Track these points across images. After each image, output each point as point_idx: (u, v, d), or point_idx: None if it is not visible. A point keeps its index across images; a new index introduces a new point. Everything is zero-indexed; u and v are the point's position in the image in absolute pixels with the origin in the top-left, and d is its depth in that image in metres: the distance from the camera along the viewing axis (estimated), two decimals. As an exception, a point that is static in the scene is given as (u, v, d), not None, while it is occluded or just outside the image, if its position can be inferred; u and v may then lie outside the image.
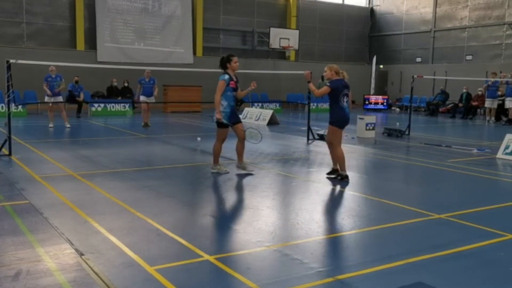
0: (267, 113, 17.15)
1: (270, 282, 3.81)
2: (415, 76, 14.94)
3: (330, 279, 3.86)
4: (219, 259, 4.20)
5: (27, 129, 14.72)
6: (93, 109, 19.26)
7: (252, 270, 4.04)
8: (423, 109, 25.14)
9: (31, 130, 14.52)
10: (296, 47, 26.11)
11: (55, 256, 4.18)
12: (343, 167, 7.53)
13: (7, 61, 8.91)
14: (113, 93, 20.26)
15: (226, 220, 5.52)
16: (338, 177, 7.52)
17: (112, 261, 4.11)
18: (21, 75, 18.88)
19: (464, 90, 21.94)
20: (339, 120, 7.44)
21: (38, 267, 3.95)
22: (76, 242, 4.52)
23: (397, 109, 26.29)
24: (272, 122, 16.63)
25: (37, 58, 17.63)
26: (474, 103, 21.97)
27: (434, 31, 27.38)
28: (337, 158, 7.56)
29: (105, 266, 4.00)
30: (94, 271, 3.88)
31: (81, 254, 4.23)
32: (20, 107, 18.04)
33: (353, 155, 10.36)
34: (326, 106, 25.14)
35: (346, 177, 7.50)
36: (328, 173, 7.78)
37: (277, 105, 23.45)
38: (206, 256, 4.26)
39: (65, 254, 4.24)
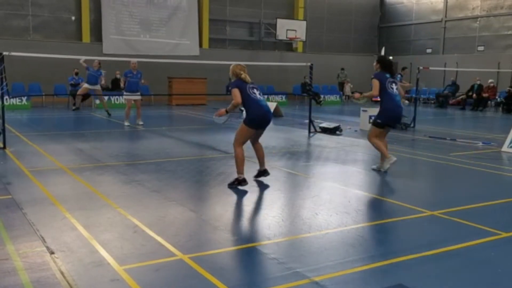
0: (271, 105, 16.91)
1: (240, 283, 3.64)
2: (421, 67, 14.57)
3: (305, 281, 3.68)
4: (193, 258, 4.04)
5: (29, 121, 14.69)
6: (97, 101, 19.20)
7: (225, 270, 3.88)
8: (432, 101, 24.69)
9: (32, 122, 14.50)
10: (303, 38, 25.76)
11: (24, 254, 4.05)
12: (239, 169, 6.34)
13: (0, 53, 8.80)
14: (118, 86, 20.16)
15: (208, 217, 5.35)
16: (236, 182, 6.32)
17: (82, 259, 3.98)
18: (26, 68, 18.99)
19: (478, 82, 21.41)
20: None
21: (3, 265, 3.83)
22: (49, 240, 4.39)
23: (406, 102, 25.83)
24: (276, 115, 16.39)
25: (43, 50, 17.61)
26: (485, 95, 21.51)
27: (445, 21, 26.83)
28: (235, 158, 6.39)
29: (73, 265, 3.87)
30: (60, 271, 3.75)
31: (52, 253, 4.10)
32: (24, 99, 18.07)
33: (353, 148, 10.14)
34: (333, 98, 24.89)
35: (243, 181, 6.32)
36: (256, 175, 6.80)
37: (283, 97, 23.20)
38: (180, 255, 4.10)
39: (35, 252, 4.12)
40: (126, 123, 13.24)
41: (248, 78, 6.36)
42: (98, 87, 16.07)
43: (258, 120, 6.34)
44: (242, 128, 6.35)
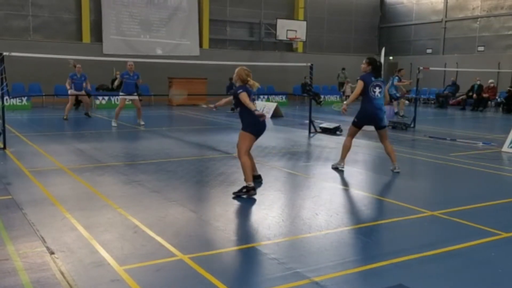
0: (271, 106, 16.93)
1: (240, 283, 3.65)
2: (421, 68, 14.58)
3: (306, 281, 3.68)
4: (193, 259, 4.04)
5: (29, 122, 14.70)
6: (98, 102, 19.23)
7: (225, 271, 3.88)
8: (432, 101, 24.69)
9: (32, 123, 14.50)
10: (304, 38, 25.77)
11: (24, 255, 4.05)
12: (248, 177, 6.13)
13: (0, 54, 8.79)
14: (118, 86, 20.13)
15: (208, 217, 5.35)
16: (244, 189, 6.10)
17: (82, 260, 3.98)
18: (26, 68, 18.97)
19: (478, 82, 21.40)
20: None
21: (4, 266, 3.83)
22: (49, 240, 4.39)
23: (406, 102, 25.83)
24: (276, 115, 16.42)
25: (43, 51, 17.60)
26: (485, 95, 21.51)
27: (445, 21, 26.82)
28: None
29: (73, 265, 3.87)
30: (60, 271, 3.75)
31: (52, 253, 4.10)
32: (24, 100, 18.07)
33: (354, 149, 10.05)
34: (333, 98, 24.88)
35: (253, 189, 6.10)
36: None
37: (283, 97, 23.20)
38: (180, 256, 4.10)
39: (35, 252, 4.12)
40: (114, 124, 13.11)
41: (255, 85, 6.14)
42: (83, 92, 15.25)
43: (259, 127, 6.16)
44: (246, 137, 6.14)
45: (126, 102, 14.58)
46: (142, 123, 13.36)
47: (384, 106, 7.66)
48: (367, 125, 7.80)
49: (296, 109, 21.23)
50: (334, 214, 5.39)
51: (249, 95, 6.02)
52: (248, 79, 6.11)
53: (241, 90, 6.01)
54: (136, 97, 13.62)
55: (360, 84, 7.40)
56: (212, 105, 6.79)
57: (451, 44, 26.62)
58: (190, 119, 16.23)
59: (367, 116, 7.52)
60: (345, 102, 7.85)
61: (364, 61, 7.60)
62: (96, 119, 15.42)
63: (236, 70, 6.20)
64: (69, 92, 14.95)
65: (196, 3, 24.13)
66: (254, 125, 6.10)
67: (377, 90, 7.41)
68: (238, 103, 6.10)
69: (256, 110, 5.93)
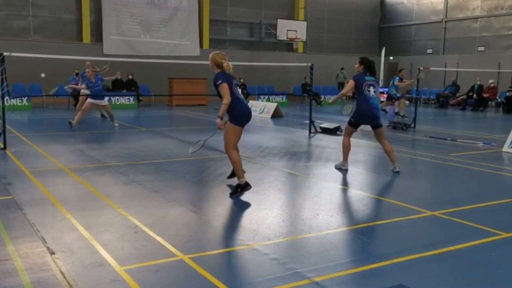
0: (271, 106, 16.94)
1: (241, 283, 3.64)
2: (422, 68, 14.58)
3: (306, 281, 3.68)
4: (193, 259, 4.04)
5: (29, 122, 14.70)
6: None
7: (225, 271, 3.89)
8: (433, 101, 24.69)
9: (33, 123, 14.51)
10: (304, 38, 25.79)
11: (24, 255, 4.05)
12: (239, 174, 6.10)
13: (0, 54, 8.80)
14: (118, 86, 20.19)
15: (209, 217, 5.35)
16: (238, 189, 6.06)
17: (82, 260, 3.98)
18: (26, 68, 18.97)
19: (478, 82, 21.40)
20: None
21: (4, 266, 3.83)
22: (50, 240, 4.39)
23: (407, 102, 25.82)
24: (276, 115, 16.42)
25: (43, 51, 17.61)
26: (486, 95, 21.51)
27: (446, 22, 26.83)
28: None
29: (74, 265, 3.87)
30: (61, 271, 3.75)
31: (52, 253, 4.10)
32: (25, 100, 18.08)
33: (354, 149, 10.06)
34: (333, 98, 24.86)
35: (247, 185, 6.07)
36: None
37: (284, 97, 23.21)
38: (181, 256, 4.10)
39: (35, 252, 4.12)
40: (74, 123, 12.17)
41: (230, 67, 5.86)
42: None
43: (244, 117, 5.97)
44: (234, 130, 5.96)
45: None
46: (116, 124, 12.98)
47: (380, 105, 7.72)
48: (363, 125, 7.82)
49: (296, 109, 21.23)
50: (335, 214, 5.39)
51: (230, 85, 5.78)
52: (223, 61, 5.84)
53: (220, 81, 5.73)
54: (106, 102, 13.25)
55: (350, 83, 7.45)
56: (220, 123, 5.99)
57: (451, 44, 26.63)
58: (190, 119, 16.23)
59: (363, 116, 7.53)
60: (332, 98, 7.95)
61: (356, 62, 7.66)
62: (96, 119, 15.41)
63: (210, 55, 5.94)
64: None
65: (196, 3, 24.15)
66: (241, 116, 5.92)
67: (372, 89, 7.43)
68: (220, 93, 5.86)
69: (222, 117, 5.72)
